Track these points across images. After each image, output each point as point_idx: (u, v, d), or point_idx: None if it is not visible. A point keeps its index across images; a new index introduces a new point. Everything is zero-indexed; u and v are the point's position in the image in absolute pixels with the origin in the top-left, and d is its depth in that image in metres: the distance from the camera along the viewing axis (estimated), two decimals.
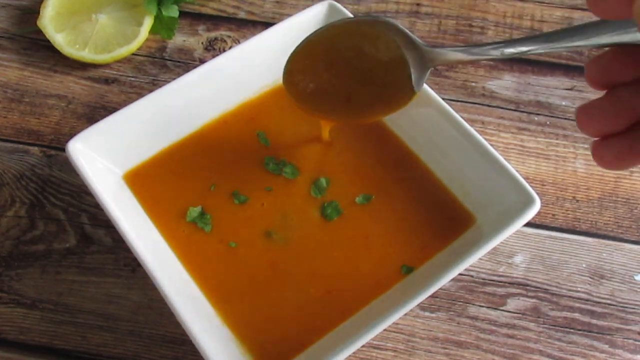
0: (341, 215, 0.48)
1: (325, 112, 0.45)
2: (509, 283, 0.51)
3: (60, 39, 0.59)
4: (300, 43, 0.44)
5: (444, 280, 0.41)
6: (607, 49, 0.32)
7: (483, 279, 0.51)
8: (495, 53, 0.37)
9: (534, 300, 0.50)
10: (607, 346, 0.48)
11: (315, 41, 0.43)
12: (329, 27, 0.43)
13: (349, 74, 0.43)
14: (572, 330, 0.49)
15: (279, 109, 0.53)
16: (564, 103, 0.59)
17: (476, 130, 0.47)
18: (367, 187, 0.49)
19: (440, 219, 0.48)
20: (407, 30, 0.41)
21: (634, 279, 0.51)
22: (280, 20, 0.56)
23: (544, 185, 0.55)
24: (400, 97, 0.44)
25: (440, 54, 0.40)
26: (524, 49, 0.36)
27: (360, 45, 0.43)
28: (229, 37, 0.63)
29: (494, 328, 0.49)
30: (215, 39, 0.62)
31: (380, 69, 0.43)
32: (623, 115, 0.31)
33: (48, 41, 0.59)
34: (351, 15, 0.51)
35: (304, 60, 0.44)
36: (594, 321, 0.49)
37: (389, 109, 0.45)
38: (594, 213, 0.54)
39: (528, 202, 0.44)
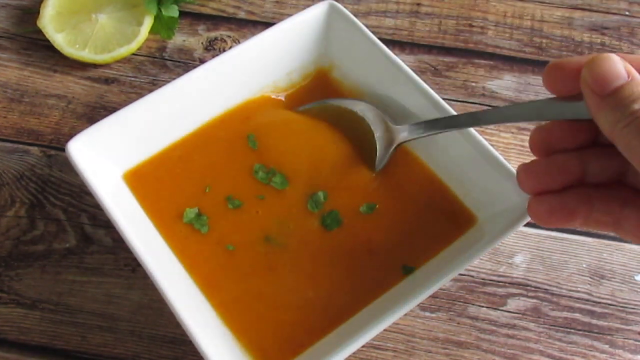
0: (342, 225, 0.48)
1: (290, 176, 0.49)
2: (509, 283, 0.50)
3: (60, 39, 0.59)
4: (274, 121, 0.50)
5: (444, 281, 0.41)
6: (548, 121, 0.36)
7: (483, 279, 0.51)
8: (451, 126, 0.43)
9: (534, 300, 0.50)
10: (607, 346, 0.48)
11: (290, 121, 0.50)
12: (323, 104, 0.50)
13: (315, 150, 0.49)
14: (572, 331, 0.49)
15: (277, 110, 0.53)
16: None
17: (476, 130, 0.47)
18: (367, 194, 0.49)
19: (441, 219, 0.48)
20: (383, 115, 0.48)
21: (634, 279, 0.51)
22: (280, 20, 0.56)
23: None
24: (361, 175, 0.49)
25: (403, 130, 0.46)
26: (481, 122, 0.41)
27: (336, 124, 0.50)
28: (229, 37, 0.63)
29: (494, 328, 0.49)
30: (215, 39, 0.62)
31: (346, 147, 0.49)
32: (558, 176, 0.35)
33: (48, 41, 0.59)
34: (351, 15, 0.51)
35: (275, 139, 0.50)
36: (594, 321, 0.49)
37: (350, 183, 0.49)
38: None
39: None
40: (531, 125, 0.58)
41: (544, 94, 0.60)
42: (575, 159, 0.35)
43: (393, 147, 0.47)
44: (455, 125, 0.43)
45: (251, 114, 0.52)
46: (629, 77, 0.31)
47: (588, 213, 0.35)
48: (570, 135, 0.36)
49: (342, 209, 0.48)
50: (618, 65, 0.31)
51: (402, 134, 0.46)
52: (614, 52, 0.63)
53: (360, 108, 0.49)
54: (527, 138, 0.57)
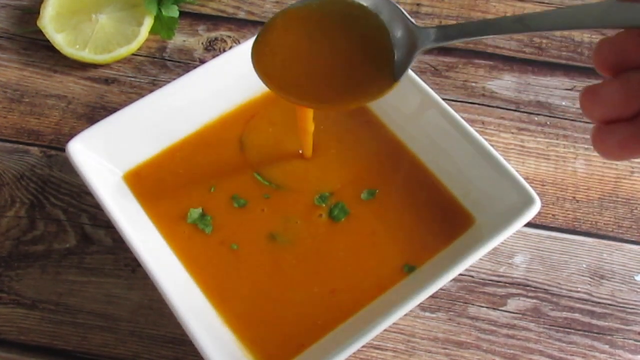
0: (348, 215, 0.48)
1: (296, 95, 0.40)
2: (509, 283, 0.51)
3: (60, 39, 0.59)
4: (273, 17, 0.40)
5: (444, 281, 0.41)
6: (619, 30, 0.30)
7: (483, 279, 0.51)
8: (495, 29, 0.33)
9: (534, 300, 0.50)
10: (607, 346, 0.48)
11: (290, 15, 0.39)
12: (309, 2, 0.39)
13: (324, 53, 0.39)
14: (572, 331, 0.49)
15: (278, 111, 0.53)
16: (564, 103, 0.59)
17: (476, 131, 0.47)
18: (370, 185, 0.50)
19: (441, 219, 0.48)
20: (400, 8, 0.37)
21: (634, 279, 0.51)
22: None
23: (544, 185, 0.55)
24: (379, 85, 0.39)
25: (430, 33, 0.36)
26: (529, 25, 0.32)
27: (341, 22, 0.39)
28: (229, 37, 0.63)
29: (494, 328, 0.49)
30: (215, 39, 0.62)
31: (360, 51, 0.39)
32: (633, 101, 0.29)
33: (48, 41, 0.59)
34: None
35: (276, 36, 0.40)
36: (594, 321, 0.49)
37: (366, 96, 0.39)
38: (594, 213, 0.54)
39: (528, 202, 0.44)
40: (531, 126, 0.58)
41: (545, 94, 0.60)
42: None
43: (416, 52, 0.37)
44: (495, 30, 0.33)
45: (254, 114, 0.52)
46: None
47: None
48: None
49: (347, 201, 0.48)
50: None
51: (427, 37, 0.36)
52: None
53: (373, 2, 0.39)
54: (527, 139, 0.57)
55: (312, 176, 0.50)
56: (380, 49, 0.39)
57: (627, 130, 0.29)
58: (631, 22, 0.28)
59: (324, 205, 0.48)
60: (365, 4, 0.39)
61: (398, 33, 0.38)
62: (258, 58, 0.40)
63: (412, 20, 0.38)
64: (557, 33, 0.64)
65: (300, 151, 0.51)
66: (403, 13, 0.38)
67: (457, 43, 0.36)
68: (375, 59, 0.39)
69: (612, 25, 0.29)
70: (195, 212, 0.48)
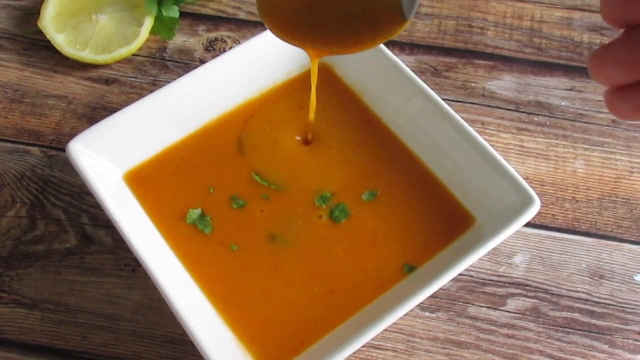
0: (349, 216, 0.48)
1: (305, 38, 0.40)
2: (509, 283, 0.51)
3: (60, 40, 0.59)
4: None
5: (444, 281, 0.41)
6: None
7: (483, 279, 0.51)
8: None
9: (533, 300, 0.50)
10: (606, 346, 0.48)
11: None
12: None
13: None
14: (571, 331, 0.49)
15: (278, 110, 0.53)
16: (563, 103, 0.60)
17: (476, 131, 0.47)
18: (370, 186, 0.50)
19: (441, 219, 0.48)
20: None
21: (634, 279, 0.51)
22: None
23: (544, 185, 0.55)
24: (389, 24, 0.38)
25: None
26: None
27: None
28: (229, 37, 0.63)
29: (493, 328, 0.49)
30: (216, 39, 0.63)
31: None
32: None
33: (48, 42, 0.59)
34: None
35: None
36: (594, 321, 0.49)
37: (378, 36, 0.39)
38: (594, 213, 0.54)
39: (528, 202, 0.44)
40: (530, 126, 0.58)
41: (544, 94, 0.60)
42: None
43: None
44: None
45: (253, 114, 0.52)
46: None
47: None
48: None
49: (349, 201, 0.49)
50: None
51: None
52: None
53: None
54: (527, 139, 0.57)
55: (312, 176, 0.50)
56: None
57: None
58: None
59: (324, 206, 0.48)
60: None
61: None
62: (264, 7, 0.39)
63: None
64: (557, 33, 0.64)
65: (298, 137, 0.51)
66: None
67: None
68: (375, 8, 0.38)
69: None
70: (194, 213, 0.48)
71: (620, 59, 0.27)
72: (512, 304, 0.50)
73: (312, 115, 0.49)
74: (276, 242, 0.47)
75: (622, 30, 0.27)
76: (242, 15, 0.64)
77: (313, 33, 0.39)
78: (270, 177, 0.50)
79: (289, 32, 0.39)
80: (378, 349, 0.48)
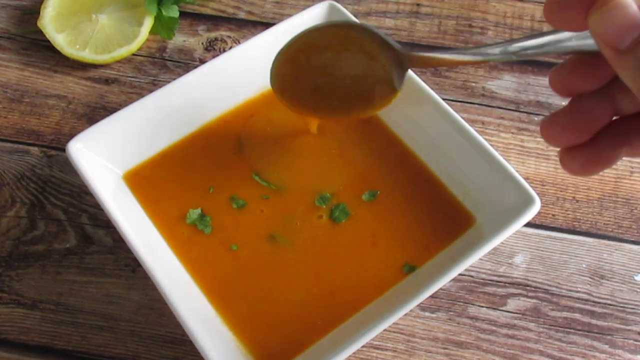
0: (349, 217, 0.48)
1: (314, 111, 0.46)
2: (509, 283, 0.51)
3: (60, 40, 0.59)
4: (284, 47, 0.44)
5: (444, 281, 0.41)
6: (569, 57, 0.32)
7: (483, 279, 0.51)
8: (466, 58, 0.37)
9: (534, 300, 0.50)
10: (607, 346, 0.48)
11: (299, 44, 0.44)
12: (311, 30, 0.43)
13: (333, 75, 0.44)
14: (572, 331, 0.49)
15: (276, 110, 0.53)
16: (563, 103, 0.59)
17: (476, 131, 0.47)
18: (371, 186, 0.49)
19: (441, 219, 0.48)
20: (381, 33, 0.41)
21: (634, 279, 0.51)
22: (280, 20, 0.56)
23: (544, 185, 0.55)
24: (383, 96, 0.44)
25: (413, 54, 0.40)
26: (496, 52, 0.35)
27: (342, 47, 0.43)
28: (229, 37, 0.63)
29: (494, 328, 0.49)
30: (216, 39, 0.62)
31: (361, 69, 0.43)
32: (586, 126, 0.31)
33: (48, 41, 0.59)
34: (352, 16, 0.51)
35: (289, 63, 0.45)
36: (594, 321, 0.49)
37: (374, 107, 0.45)
38: (594, 213, 0.54)
39: (528, 202, 0.44)
40: (530, 126, 0.58)
41: (544, 94, 0.60)
42: (604, 99, 0.30)
43: (406, 70, 0.42)
44: (460, 57, 0.37)
45: (254, 114, 0.52)
46: None
47: (629, 149, 0.30)
48: (593, 71, 0.30)
49: (349, 202, 0.48)
50: (632, 11, 0.25)
51: (407, 62, 0.41)
52: None
53: (358, 31, 0.42)
54: (527, 139, 0.57)
55: (312, 177, 0.50)
56: (380, 68, 0.43)
57: (588, 153, 0.31)
58: (579, 48, 0.30)
59: (324, 206, 0.48)
60: (350, 33, 0.43)
61: (390, 53, 0.42)
62: (277, 80, 0.45)
63: (397, 43, 0.41)
64: None
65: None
66: (390, 40, 0.42)
67: (436, 57, 0.39)
68: (377, 76, 0.43)
69: (564, 51, 0.31)
70: (194, 213, 0.48)
71: (566, 125, 0.31)
72: (513, 304, 0.50)
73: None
74: (276, 243, 0.47)
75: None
76: (242, 15, 0.64)
77: (316, 109, 0.46)
78: (270, 177, 0.50)
79: (297, 107, 0.46)
80: (378, 349, 0.48)
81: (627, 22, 0.25)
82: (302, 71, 0.45)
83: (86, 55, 0.59)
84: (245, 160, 0.50)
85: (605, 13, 0.25)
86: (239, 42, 0.62)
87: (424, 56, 0.40)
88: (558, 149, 0.32)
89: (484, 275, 0.51)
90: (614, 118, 0.31)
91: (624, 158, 0.53)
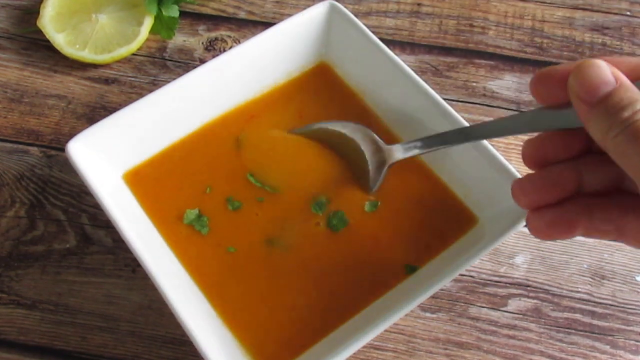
0: (348, 225, 0.48)
1: (279, 191, 0.49)
2: (510, 284, 0.50)
3: (60, 39, 0.59)
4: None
5: (445, 281, 0.41)
6: (540, 133, 0.36)
7: (484, 279, 0.51)
8: (444, 143, 0.42)
9: (535, 300, 0.50)
10: (608, 347, 0.48)
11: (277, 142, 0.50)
12: (314, 128, 0.50)
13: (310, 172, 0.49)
14: (573, 331, 0.49)
15: (277, 114, 0.53)
16: None
17: None
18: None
19: (442, 219, 0.48)
20: (371, 132, 0.48)
21: (635, 280, 0.51)
22: (280, 20, 0.56)
23: None
24: (355, 195, 0.48)
25: (396, 150, 0.46)
26: (472, 138, 0.40)
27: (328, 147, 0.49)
28: (229, 37, 0.63)
29: (495, 329, 0.49)
30: (216, 39, 0.62)
31: (339, 169, 0.49)
32: (555, 189, 0.34)
33: (48, 41, 0.59)
34: (352, 15, 0.51)
35: (263, 157, 0.50)
36: (595, 322, 0.49)
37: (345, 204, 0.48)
38: None
39: None
40: None
41: None
42: (571, 169, 0.34)
43: (385, 167, 0.47)
44: (446, 142, 0.42)
45: (254, 114, 0.52)
46: (617, 82, 0.29)
47: (588, 223, 0.34)
48: (563, 145, 0.35)
49: (347, 209, 0.48)
50: (604, 71, 0.30)
51: (394, 153, 0.46)
52: (615, 52, 0.63)
53: (350, 130, 0.48)
54: (528, 138, 0.57)
55: (307, 180, 0.49)
56: (358, 166, 0.48)
57: (554, 214, 0.34)
58: (554, 125, 0.34)
59: (321, 213, 0.48)
60: (344, 131, 0.48)
61: (370, 153, 0.48)
62: (249, 163, 0.49)
63: (381, 141, 0.47)
64: (558, 32, 0.64)
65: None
66: (374, 136, 0.48)
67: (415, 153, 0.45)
68: (355, 174, 0.49)
69: (539, 130, 0.35)
70: (191, 213, 0.47)
71: (536, 187, 0.35)
72: (513, 304, 0.50)
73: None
74: (273, 247, 0.47)
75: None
76: (242, 15, 0.64)
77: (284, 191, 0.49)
78: (264, 178, 0.49)
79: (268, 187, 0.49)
80: (378, 349, 0.48)
81: (599, 78, 0.30)
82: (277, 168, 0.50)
83: (86, 55, 0.59)
84: (242, 159, 0.50)
85: (581, 70, 0.30)
86: (239, 42, 0.62)
87: (404, 154, 0.45)
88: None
89: (484, 276, 0.51)
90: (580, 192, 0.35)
91: None
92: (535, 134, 0.36)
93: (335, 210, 0.48)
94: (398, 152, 0.46)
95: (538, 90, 0.34)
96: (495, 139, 0.57)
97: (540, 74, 0.34)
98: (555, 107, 0.34)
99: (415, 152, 0.45)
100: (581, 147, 0.35)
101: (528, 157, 0.36)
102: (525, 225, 0.43)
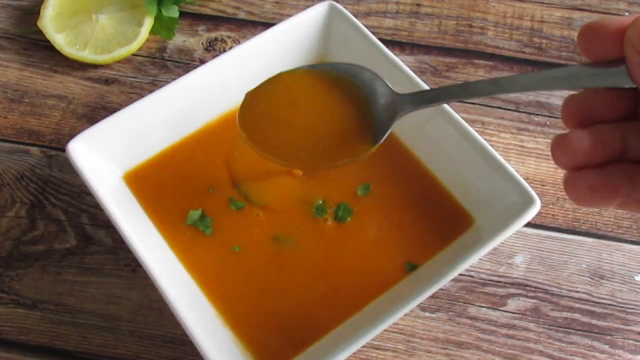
0: (353, 214, 0.48)
1: (280, 157, 0.42)
2: (509, 283, 0.51)
3: (60, 40, 0.59)
4: (260, 84, 0.42)
5: (444, 281, 0.41)
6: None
7: (483, 279, 0.51)
8: (470, 92, 0.36)
9: (534, 300, 0.50)
10: (607, 346, 0.48)
11: (277, 82, 0.42)
12: (295, 70, 0.42)
13: (309, 119, 0.41)
14: (572, 331, 0.49)
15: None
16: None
17: (476, 131, 0.47)
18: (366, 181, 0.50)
19: (441, 219, 0.48)
20: (381, 78, 0.41)
21: (634, 279, 0.51)
22: (280, 20, 0.56)
23: (544, 185, 0.55)
24: (359, 148, 0.40)
25: (410, 98, 0.38)
26: (504, 87, 0.34)
27: (325, 91, 0.41)
28: (229, 37, 0.63)
29: (494, 328, 0.49)
30: (216, 39, 0.62)
31: (342, 117, 0.41)
32: (599, 150, 0.31)
33: (48, 41, 0.59)
34: (351, 16, 0.51)
35: (261, 102, 0.42)
36: (594, 321, 0.49)
37: (346, 160, 0.41)
38: (594, 213, 0.54)
39: (528, 202, 0.44)
40: (530, 126, 0.58)
41: (544, 94, 0.60)
42: (616, 131, 0.30)
43: (396, 118, 0.39)
44: (472, 93, 0.36)
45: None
46: None
47: (630, 192, 0.30)
48: (609, 106, 0.31)
49: (347, 199, 0.49)
50: None
51: (406, 103, 0.39)
52: None
53: (356, 73, 0.42)
54: (527, 139, 0.57)
55: (300, 194, 0.49)
56: (361, 116, 0.41)
57: (597, 176, 0.30)
58: (598, 84, 0.30)
59: (325, 216, 0.48)
60: (349, 74, 0.42)
61: (379, 101, 0.40)
62: (245, 123, 0.41)
63: (392, 88, 0.40)
64: (557, 33, 0.64)
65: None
66: (384, 82, 0.40)
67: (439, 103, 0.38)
68: (357, 124, 0.41)
69: (581, 86, 0.31)
70: (195, 214, 0.48)
71: (578, 146, 0.30)
72: (513, 304, 0.50)
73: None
74: (280, 243, 0.47)
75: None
76: (242, 15, 0.64)
77: (289, 155, 0.41)
78: (249, 191, 0.49)
79: (263, 152, 0.41)
80: (378, 349, 0.48)
81: None
82: (271, 111, 0.41)
83: (86, 55, 0.59)
84: (231, 173, 0.50)
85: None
86: (239, 42, 0.62)
87: (427, 97, 0.38)
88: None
89: (484, 276, 0.51)
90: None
91: None
92: (578, 91, 0.32)
93: (337, 204, 0.48)
94: (409, 102, 0.38)
95: (585, 44, 0.31)
96: (495, 139, 0.57)
97: (588, 28, 0.30)
98: (604, 64, 0.31)
99: (431, 102, 0.37)
100: (627, 111, 0.31)
101: (569, 114, 0.32)
102: (525, 224, 0.43)
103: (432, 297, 0.49)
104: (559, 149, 0.31)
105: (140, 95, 0.57)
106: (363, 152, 0.40)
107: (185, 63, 0.61)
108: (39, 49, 0.61)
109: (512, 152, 0.57)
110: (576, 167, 0.31)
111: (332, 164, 0.41)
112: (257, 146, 0.41)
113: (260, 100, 0.42)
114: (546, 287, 0.50)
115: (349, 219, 0.48)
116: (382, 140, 0.40)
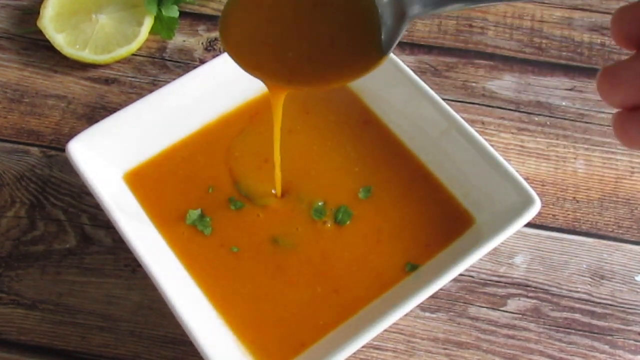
0: (353, 217, 0.48)
1: (267, 71, 0.34)
2: (510, 283, 0.50)
3: (60, 39, 0.59)
4: None
5: (444, 281, 0.41)
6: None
7: (483, 279, 0.51)
8: None
9: (534, 300, 0.50)
10: (607, 347, 0.48)
11: None
12: None
13: (301, 24, 0.34)
14: (572, 331, 0.49)
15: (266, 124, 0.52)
16: (564, 103, 0.59)
17: (476, 131, 0.47)
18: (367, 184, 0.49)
19: (441, 219, 0.48)
20: None
21: (635, 280, 0.51)
22: None
23: (544, 185, 0.55)
24: (364, 60, 0.33)
25: (414, 1, 0.31)
26: None
27: None
28: None
29: (494, 329, 0.49)
30: (216, 39, 0.62)
31: (342, 22, 0.33)
32: None
33: (48, 41, 0.59)
34: None
35: (246, 7, 0.34)
36: (595, 322, 0.49)
37: (350, 73, 0.34)
38: (595, 213, 0.54)
39: (528, 202, 0.44)
40: (531, 126, 0.58)
41: (545, 94, 0.60)
42: None
43: (406, 20, 0.32)
44: None
45: (258, 111, 0.52)
46: None
47: None
48: None
49: (348, 202, 0.48)
50: None
51: (415, 5, 0.31)
52: (615, 53, 0.63)
53: None
54: (527, 139, 0.57)
55: (301, 190, 0.49)
56: (365, 18, 0.34)
57: None
58: None
59: (324, 218, 0.48)
60: None
61: (384, 3, 0.33)
62: (225, 30, 0.34)
63: None
64: (558, 33, 0.64)
65: (273, 191, 0.49)
66: None
67: (451, 11, 0.31)
68: (360, 30, 0.34)
69: None
70: (194, 214, 0.47)
71: (631, 79, 0.24)
72: (513, 304, 0.50)
73: (278, 171, 0.46)
74: (279, 245, 0.47)
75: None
76: None
77: (275, 67, 0.34)
78: (249, 191, 0.49)
79: (250, 66, 0.34)
80: (378, 349, 0.48)
81: None
82: (259, 14, 0.34)
83: (86, 55, 0.59)
84: (230, 170, 0.50)
85: None
86: None
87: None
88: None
89: (484, 276, 0.51)
90: None
91: (623, 158, 0.53)
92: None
93: (337, 206, 0.48)
94: (419, 5, 0.31)
95: (618, 25, 0.24)
96: (496, 139, 0.57)
97: (622, 9, 0.24)
98: None
99: (447, 4, 0.30)
100: None
101: (622, 30, 0.25)
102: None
103: (432, 297, 0.49)
104: (608, 83, 0.25)
105: (140, 95, 0.57)
106: (369, 64, 0.34)
107: (185, 63, 0.61)
108: (39, 49, 0.61)
109: (512, 152, 0.57)
110: (629, 105, 0.25)
111: (332, 80, 0.34)
112: (244, 64, 0.35)
113: (245, 4, 0.34)
114: (546, 287, 0.50)
115: (348, 222, 0.48)
116: (392, 49, 0.33)
